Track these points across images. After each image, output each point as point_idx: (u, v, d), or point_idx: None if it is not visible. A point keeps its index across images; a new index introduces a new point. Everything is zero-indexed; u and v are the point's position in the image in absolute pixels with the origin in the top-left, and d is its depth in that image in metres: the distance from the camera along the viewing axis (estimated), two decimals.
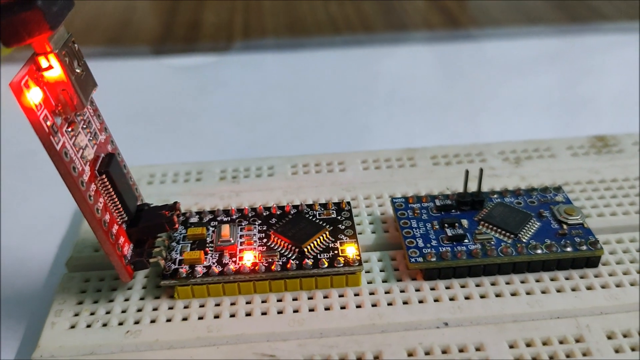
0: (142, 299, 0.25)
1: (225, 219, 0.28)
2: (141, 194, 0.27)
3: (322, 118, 0.45)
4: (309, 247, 0.26)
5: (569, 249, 0.25)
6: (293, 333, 0.24)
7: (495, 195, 0.29)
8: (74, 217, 0.34)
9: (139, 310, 0.25)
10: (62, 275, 0.27)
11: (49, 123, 0.20)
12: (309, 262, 0.25)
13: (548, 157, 0.34)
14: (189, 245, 0.26)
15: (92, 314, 0.25)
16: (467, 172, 0.27)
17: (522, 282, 0.25)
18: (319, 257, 0.25)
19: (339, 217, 0.28)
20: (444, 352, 0.23)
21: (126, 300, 0.25)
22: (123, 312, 0.25)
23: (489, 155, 0.34)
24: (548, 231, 0.27)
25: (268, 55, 0.54)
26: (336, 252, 0.26)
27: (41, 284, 0.29)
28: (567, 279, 0.26)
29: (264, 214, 0.28)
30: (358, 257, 0.25)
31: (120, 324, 0.24)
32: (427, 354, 0.23)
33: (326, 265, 0.25)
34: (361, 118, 0.44)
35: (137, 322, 0.24)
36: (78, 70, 0.21)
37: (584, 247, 0.26)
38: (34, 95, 0.19)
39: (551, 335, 0.23)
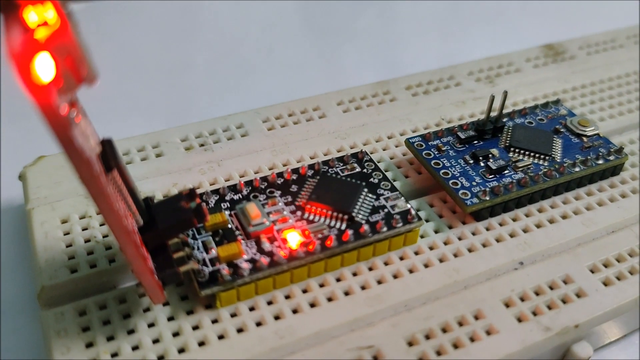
0: (171, 319, 0.20)
1: (236, 197, 0.22)
2: None
3: (245, 64, 0.39)
4: (355, 210, 0.22)
5: (600, 161, 0.25)
6: (377, 313, 0.20)
7: (505, 119, 0.27)
8: None
9: (176, 334, 0.19)
10: (41, 315, 0.20)
11: (65, 110, 0.13)
12: (367, 228, 0.21)
13: (514, 72, 0.33)
14: (211, 237, 0.21)
15: (114, 355, 0.18)
16: (492, 97, 0.25)
17: (565, 203, 0.25)
18: (371, 220, 0.22)
19: (365, 170, 0.24)
20: (537, 293, 0.21)
21: (152, 326, 0.19)
22: (156, 342, 0.19)
23: (460, 77, 0.32)
24: (572, 146, 0.26)
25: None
26: (386, 210, 0.22)
27: None
28: (600, 191, 0.25)
29: (279, 181, 0.23)
30: (415, 212, 0.22)
31: (161, 357, 0.18)
32: (522, 299, 0.21)
33: (385, 228, 0.21)
34: (289, 57, 0.40)
35: (182, 350, 0.19)
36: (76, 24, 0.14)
37: (612, 157, 0.25)
38: (44, 67, 0.12)
39: (620, 250, 0.23)
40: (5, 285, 0.24)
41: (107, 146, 0.17)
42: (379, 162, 0.26)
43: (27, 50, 0.12)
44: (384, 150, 0.27)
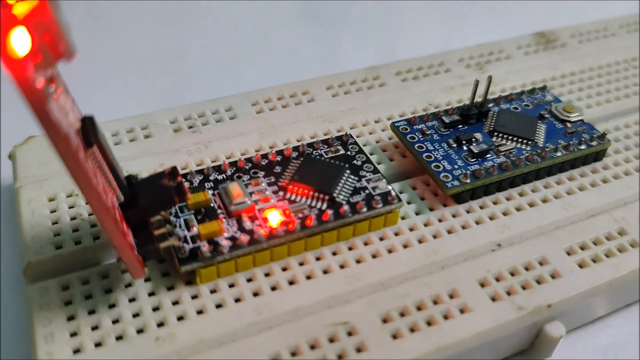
0: (152, 294, 0.20)
1: (220, 177, 0.23)
2: None
3: (240, 48, 0.39)
4: (337, 191, 0.22)
5: (583, 147, 0.25)
6: (354, 292, 0.20)
7: (491, 104, 0.27)
8: None
9: (156, 308, 0.20)
10: (25, 289, 0.20)
11: (41, 83, 0.13)
12: (347, 208, 0.21)
13: (505, 58, 0.33)
14: (193, 216, 0.21)
15: (95, 328, 0.19)
16: (476, 82, 0.25)
17: (546, 187, 0.25)
18: (352, 201, 0.22)
19: (349, 153, 0.24)
20: (512, 274, 0.21)
21: (132, 300, 0.20)
22: (136, 316, 0.19)
23: (450, 64, 0.32)
24: (555, 132, 0.26)
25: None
26: (367, 191, 0.22)
27: None
28: (581, 176, 0.26)
29: (263, 162, 0.24)
30: (395, 193, 0.22)
31: (141, 331, 0.19)
32: (497, 280, 0.21)
33: (365, 208, 0.22)
34: (283, 42, 0.40)
35: (161, 325, 0.19)
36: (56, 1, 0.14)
37: (595, 143, 0.25)
38: (21, 40, 0.13)
39: (598, 234, 0.23)
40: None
41: (87, 122, 0.17)
42: (365, 145, 0.27)
43: (4, 24, 0.13)
44: (370, 134, 0.27)
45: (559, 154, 0.25)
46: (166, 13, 0.42)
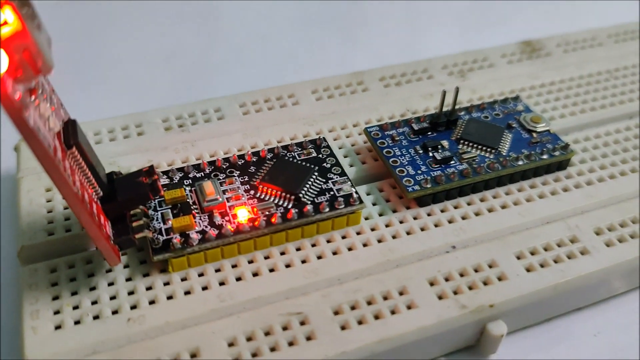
0: (129, 279, 0.22)
1: (199, 175, 0.25)
2: None
3: (238, 51, 0.41)
4: (303, 192, 0.24)
5: (545, 156, 0.27)
6: (311, 285, 0.22)
7: (462, 112, 0.29)
8: None
9: (131, 292, 0.22)
10: (19, 270, 0.23)
11: (18, 96, 0.15)
12: (310, 208, 0.23)
13: (487, 67, 0.34)
14: (170, 210, 0.23)
15: (75, 307, 0.21)
16: (444, 92, 0.27)
17: (507, 194, 0.26)
18: (316, 201, 0.24)
19: (320, 156, 0.26)
20: (461, 275, 0.23)
21: (111, 284, 0.22)
22: (113, 298, 0.22)
23: (434, 71, 0.34)
24: (520, 141, 0.27)
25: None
26: (332, 192, 0.24)
27: None
28: (543, 184, 0.27)
29: (239, 162, 0.26)
30: (357, 195, 0.24)
31: (115, 312, 0.21)
32: (447, 279, 0.23)
33: (328, 209, 0.23)
34: (281, 45, 0.42)
35: (134, 307, 0.21)
36: (35, 23, 0.16)
37: (557, 153, 0.27)
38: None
39: (549, 240, 0.24)
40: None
41: (69, 126, 0.19)
42: (340, 148, 0.28)
43: None
44: (347, 137, 0.29)
45: (520, 162, 0.26)
46: (173, 13, 0.44)
